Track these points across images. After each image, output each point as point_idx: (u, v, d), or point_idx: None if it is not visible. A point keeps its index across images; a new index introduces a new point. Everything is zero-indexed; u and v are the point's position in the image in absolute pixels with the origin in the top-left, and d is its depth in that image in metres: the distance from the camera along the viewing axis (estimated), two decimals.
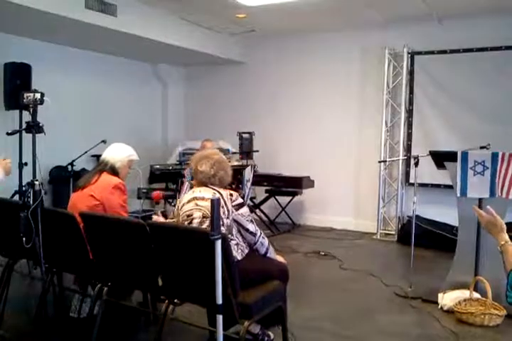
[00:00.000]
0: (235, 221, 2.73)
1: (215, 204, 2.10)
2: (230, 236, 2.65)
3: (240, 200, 2.78)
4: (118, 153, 3.32)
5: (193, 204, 2.75)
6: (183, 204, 2.81)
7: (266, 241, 2.86)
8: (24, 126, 2.86)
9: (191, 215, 2.73)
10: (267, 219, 6.58)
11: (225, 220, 2.63)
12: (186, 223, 2.74)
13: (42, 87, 2.91)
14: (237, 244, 2.73)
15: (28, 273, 3.94)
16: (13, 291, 3.03)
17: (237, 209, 2.73)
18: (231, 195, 2.74)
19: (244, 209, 2.79)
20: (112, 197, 3.12)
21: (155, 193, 3.86)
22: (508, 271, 1.80)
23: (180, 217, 2.81)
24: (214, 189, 2.76)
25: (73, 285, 3.39)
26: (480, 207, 3.52)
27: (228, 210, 2.68)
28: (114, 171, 3.26)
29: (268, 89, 7.14)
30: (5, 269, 3.23)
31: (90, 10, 4.82)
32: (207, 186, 2.80)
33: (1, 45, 5.31)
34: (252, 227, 2.79)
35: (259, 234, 2.81)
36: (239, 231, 2.77)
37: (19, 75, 5.17)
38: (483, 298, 3.43)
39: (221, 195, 2.70)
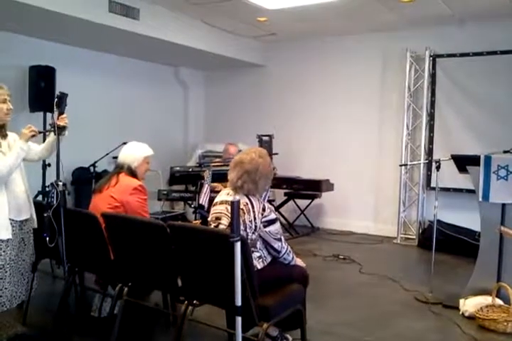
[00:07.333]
0: (261, 236, 2.66)
1: (235, 206, 2.11)
2: (253, 248, 2.61)
3: (271, 216, 2.65)
4: (131, 152, 3.30)
5: (224, 207, 2.71)
6: (216, 203, 2.79)
7: (290, 257, 2.77)
8: (48, 127, 2.92)
9: (220, 219, 2.71)
10: (285, 222, 6.57)
11: (249, 235, 2.59)
12: (213, 225, 2.74)
13: (66, 89, 2.96)
14: (260, 257, 2.68)
15: (51, 272, 4.01)
16: (36, 290, 3.09)
17: (265, 226, 2.62)
18: (264, 209, 2.63)
19: (274, 227, 2.66)
20: (132, 200, 3.13)
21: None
22: None
23: (210, 216, 2.79)
24: (249, 198, 2.65)
25: (94, 284, 3.43)
26: (503, 212, 3.48)
27: (256, 226, 2.61)
28: (131, 172, 3.25)
29: (288, 92, 7.15)
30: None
31: (114, 14, 4.91)
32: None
33: (26, 48, 5.43)
34: (278, 245, 2.69)
35: (284, 251, 2.72)
36: (263, 243, 2.70)
37: (44, 78, 5.26)
38: (506, 305, 3.37)
39: (253, 206, 2.62)
